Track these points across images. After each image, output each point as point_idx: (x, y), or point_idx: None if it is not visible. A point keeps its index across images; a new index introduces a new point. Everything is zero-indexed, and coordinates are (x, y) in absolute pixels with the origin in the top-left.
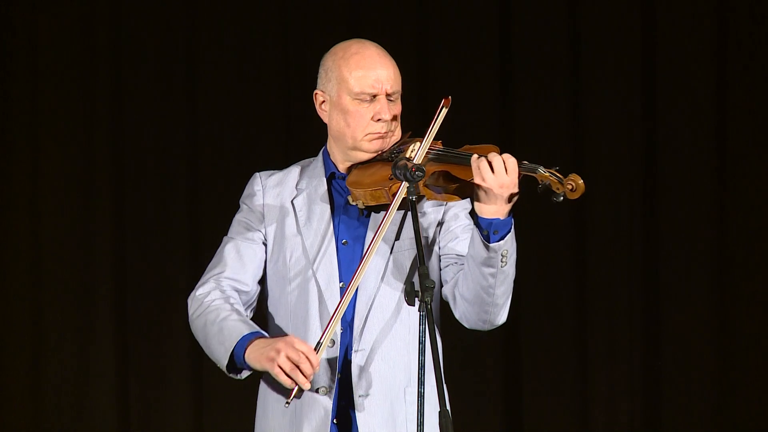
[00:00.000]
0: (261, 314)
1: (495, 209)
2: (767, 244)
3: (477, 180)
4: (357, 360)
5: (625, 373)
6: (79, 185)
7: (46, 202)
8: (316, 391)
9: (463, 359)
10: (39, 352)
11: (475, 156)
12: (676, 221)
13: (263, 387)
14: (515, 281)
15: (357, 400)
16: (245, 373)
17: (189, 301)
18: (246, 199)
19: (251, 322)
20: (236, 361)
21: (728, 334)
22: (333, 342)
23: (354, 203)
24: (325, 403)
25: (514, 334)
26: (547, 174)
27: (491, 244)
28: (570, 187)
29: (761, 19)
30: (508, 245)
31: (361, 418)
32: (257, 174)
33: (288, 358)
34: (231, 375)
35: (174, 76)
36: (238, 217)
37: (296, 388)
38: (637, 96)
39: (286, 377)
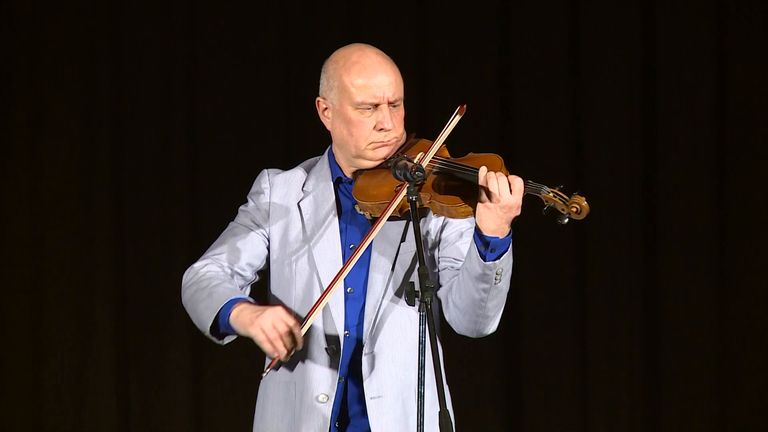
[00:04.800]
0: None
1: (495, 227)
2: (767, 245)
3: (481, 198)
4: (367, 362)
5: (626, 374)
6: (79, 185)
7: (46, 202)
8: (317, 398)
9: (464, 359)
10: (39, 353)
11: (483, 172)
12: (676, 222)
13: (263, 389)
14: (516, 283)
15: (368, 402)
16: (228, 339)
17: (184, 274)
18: (253, 196)
19: (241, 292)
20: (221, 324)
21: (728, 334)
22: (335, 349)
23: (361, 213)
24: (324, 411)
25: (514, 335)
26: (551, 194)
27: (487, 263)
28: (575, 209)
29: (761, 19)
30: (503, 263)
31: (373, 419)
32: (265, 171)
33: (273, 326)
34: (213, 339)
35: (174, 76)
36: (244, 209)
37: (275, 359)
38: (637, 99)
39: (268, 344)
